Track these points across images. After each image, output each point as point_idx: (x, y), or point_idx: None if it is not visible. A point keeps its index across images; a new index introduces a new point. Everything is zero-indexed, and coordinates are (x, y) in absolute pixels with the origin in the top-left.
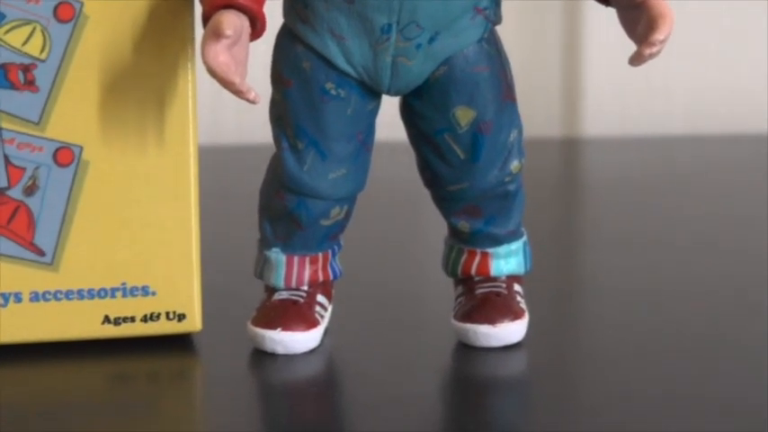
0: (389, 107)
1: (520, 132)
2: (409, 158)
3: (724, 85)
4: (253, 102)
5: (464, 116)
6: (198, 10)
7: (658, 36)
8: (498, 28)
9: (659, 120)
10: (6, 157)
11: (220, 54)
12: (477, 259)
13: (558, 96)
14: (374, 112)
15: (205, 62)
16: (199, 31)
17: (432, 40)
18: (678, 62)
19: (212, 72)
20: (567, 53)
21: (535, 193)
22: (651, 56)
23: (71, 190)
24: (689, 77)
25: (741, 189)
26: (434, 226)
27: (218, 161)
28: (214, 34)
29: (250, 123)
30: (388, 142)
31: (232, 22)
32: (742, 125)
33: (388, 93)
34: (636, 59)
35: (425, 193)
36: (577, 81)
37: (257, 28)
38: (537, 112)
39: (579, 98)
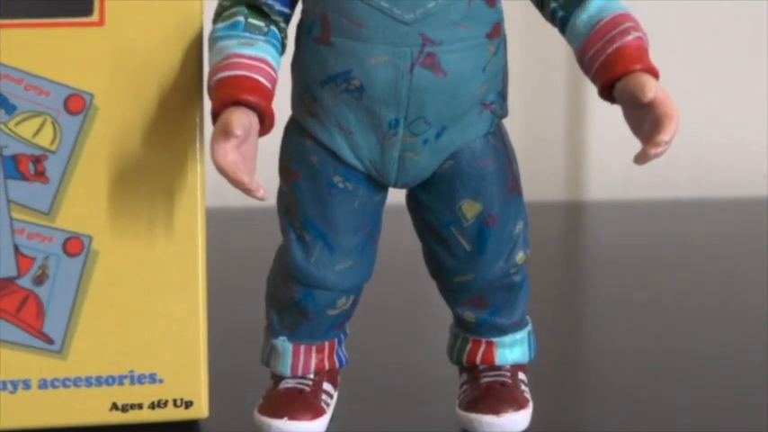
0: None
1: (525, 224)
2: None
3: (728, 148)
4: (261, 199)
5: (470, 209)
6: (207, 103)
7: (664, 137)
8: None
9: (663, 183)
10: (16, 247)
11: (229, 153)
12: (482, 348)
13: (561, 160)
14: (381, 204)
15: (214, 161)
16: (207, 123)
17: (439, 135)
18: (681, 124)
19: (221, 171)
20: (571, 115)
21: (539, 259)
22: (656, 155)
23: (80, 279)
24: (692, 140)
25: (748, 255)
26: (441, 301)
27: (224, 225)
28: (223, 133)
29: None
30: (396, 206)
31: (241, 120)
32: (748, 189)
33: (395, 186)
34: (641, 159)
35: None
36: (581, 144)
37: (266, 124)
38: (540, 176)
39: (583, 161)
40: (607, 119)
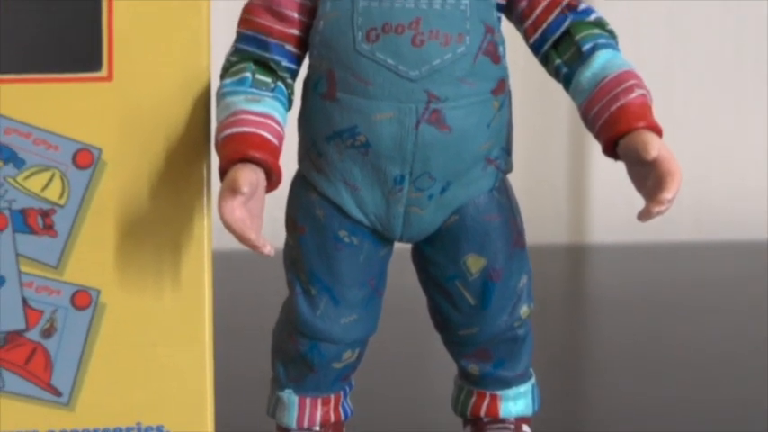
0: None
1: (529, 278)
2: None
3: (732, 190)
4: (268, 255)
5: (475, 264)
6: (214, 158)
7: (666, 195)
8: None
9: (667, 226)
10: (25, 300)
11: (236, 210)
12: (487, 401)
13: (564, 202)
14: (386, 259)
15: (222, 218)
16: (214, 177)
17: (443, 190)
18: (684, 166)
19: (228, 227)
20: (574, 158)
21: (542, 302)
22: (659, 213)
23: (88, 332)
24: (696, 182)
25: (752, 299)
26: (446, 352)
27: (231, 268)
28: (230, 190)
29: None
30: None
31: (248, 177)
32: (753, 232)
33: (401, 240)
34: (644, 216)
35: None
36: (584, 186)
37: (273, 180)
38: (543, 218)
39: (586, 204)
40: (610, 161)
